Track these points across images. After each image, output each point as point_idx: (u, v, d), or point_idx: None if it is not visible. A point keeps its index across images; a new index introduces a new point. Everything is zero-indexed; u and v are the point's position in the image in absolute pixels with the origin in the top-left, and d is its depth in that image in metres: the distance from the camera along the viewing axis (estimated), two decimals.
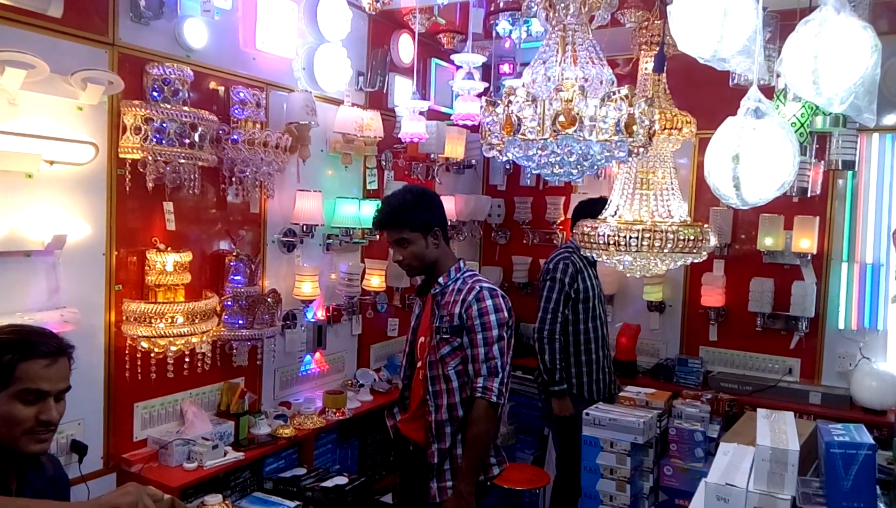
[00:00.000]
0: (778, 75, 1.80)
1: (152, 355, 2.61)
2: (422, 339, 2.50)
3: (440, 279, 2.43)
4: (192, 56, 2.79)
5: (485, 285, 2.37)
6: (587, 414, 3.12)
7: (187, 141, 2.54)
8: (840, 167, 3.54)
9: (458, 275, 2.43)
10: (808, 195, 3.70)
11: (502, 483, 3.52)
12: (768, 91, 2.46)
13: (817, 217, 3.84)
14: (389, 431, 2.64)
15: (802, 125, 2.82)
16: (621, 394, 3.36)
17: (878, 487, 1.88)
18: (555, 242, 4.68)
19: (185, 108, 2.57)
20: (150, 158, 2.49)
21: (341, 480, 2.97)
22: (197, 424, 2.78)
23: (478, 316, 2.31)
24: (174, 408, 2.84)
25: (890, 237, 3.57)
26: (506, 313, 2.35)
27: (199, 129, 2.57)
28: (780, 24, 2.51)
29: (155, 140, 2.47)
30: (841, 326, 3.84)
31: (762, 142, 1.39)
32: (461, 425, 2.36)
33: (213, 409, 2.99)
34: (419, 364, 2.49)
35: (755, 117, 1.41)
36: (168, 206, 2.70)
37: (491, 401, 2.30)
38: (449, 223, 4.21)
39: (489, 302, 2.32)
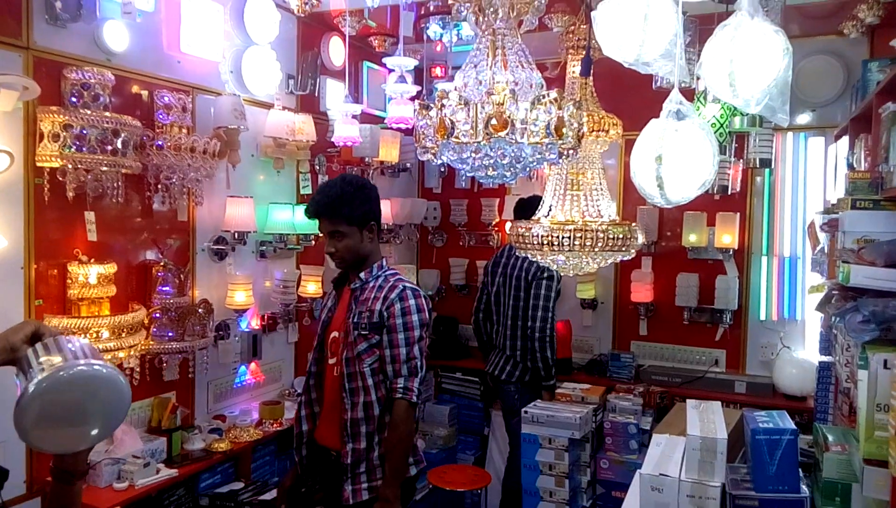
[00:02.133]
0: (698, 78, 1.88)
1: None
2: (334, 334, 2.41)
3: (361, 275, 2.36)
4: (113, 59, 2.69)
5: (408, 284, 2.33)
6: (525, 412, 3.18)
7: (109, 148, 2.44)
8: (758, 165, 3.73)
9: (381, 272, 2.37)
10: (729, 193, 3.86)
11: (444, 486, 3.54)
12: (690, 93, 2.56)
13: (738, 214, 4.02)
14: (302, 437, 2.48)
15: (722, 125, 2.95)
16: (558, 391, 3.43)
17: (800, 470, 1.98)
18: (490, 243, 4.73)
19: (107, 113, 2.47)
20: (69, 166, 2.39)
21: None
22: (126, 442, 2.68)
23: (400, 315, 2.26)
24: None
25: (805, 231, 3.77)
26: (426, 315, 2.31)
27: (122, 135, 2.48)
28: (699, 29, 2.61)
29: (74, 147, 2.37)
30: (762, 317, 4.03)
31: (684, 143, 1.44)
32: (378, 426, 2.31)
33: (143, 426, 2.88)
34: (332, 361, 2.40)
35: (677, 119, 1.47)
36: (89, 216, 2.58)
37: (412, 401, 2.26)
38: (385, 226, 4.25)
39: (412, 302, 2.28)
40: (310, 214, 2.36)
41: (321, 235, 2.43)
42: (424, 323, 2.29)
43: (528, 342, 3.62)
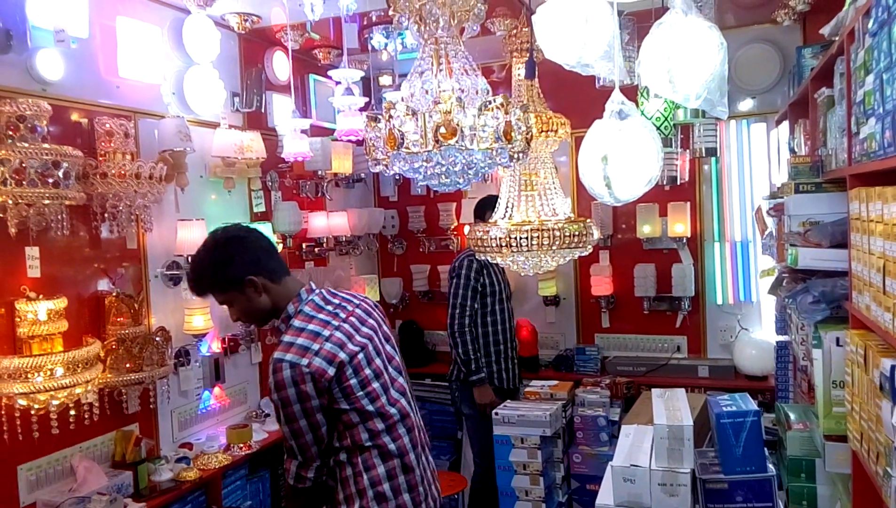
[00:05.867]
0: (639, 75, 1.91)
1: (33, 411, 2.42)
2: None
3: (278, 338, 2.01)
4: (49, 89, 2.61)
5: (276, 354, 1.88)
6: (496, 414, 3.19)
7: (51, 180, 2.36)
8: (704, 154, 3.82)
9: (286, 327, 1.98)
10: (678, 183, 3.95)
11: None
12: (632, 90, 2.61)
13: (688, 202, 4.11)
14: None
15: (666, 119, 3.01)
16: (526, 389, 3.45)
17: (766, 449, 2.03)
18: (451, 247, 4.74)
19: (45, 145, 2.39)
20: (10, 201, 2.30)
21: None
22: (90, 479, 2.61)
23: (270, 395, 1.91)
24: (63, 465, 2.64)
25: (754, 215, 3.86)
26: (292, 391, 1.83)
27: (63, 166, 2.40)
28: (637, 26, 2.66)
29: (14, 182, 2.28)
30: (719, 301, 4.12)
31: (628, 142, 1.47)
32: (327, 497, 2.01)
33: (107, 461, 2.80)
34: None
35: (619, 119, 1.49)
36: (32, 251, 2.49)
37: (289, 482, 1.96)
38: (343, 238, 4.22)
39: (271, 379, 1.86)
40: (193, 294, 2.14)
41: None
42: (288, 400, 1.84)
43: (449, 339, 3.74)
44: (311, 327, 1.94)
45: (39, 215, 2.42)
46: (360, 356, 1.96)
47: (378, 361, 2.02)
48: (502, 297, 3.79)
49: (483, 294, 3.71)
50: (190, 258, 2.07)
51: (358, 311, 2.07)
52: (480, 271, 3.70)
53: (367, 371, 1.96)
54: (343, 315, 2.02)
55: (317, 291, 2.05)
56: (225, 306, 2.07)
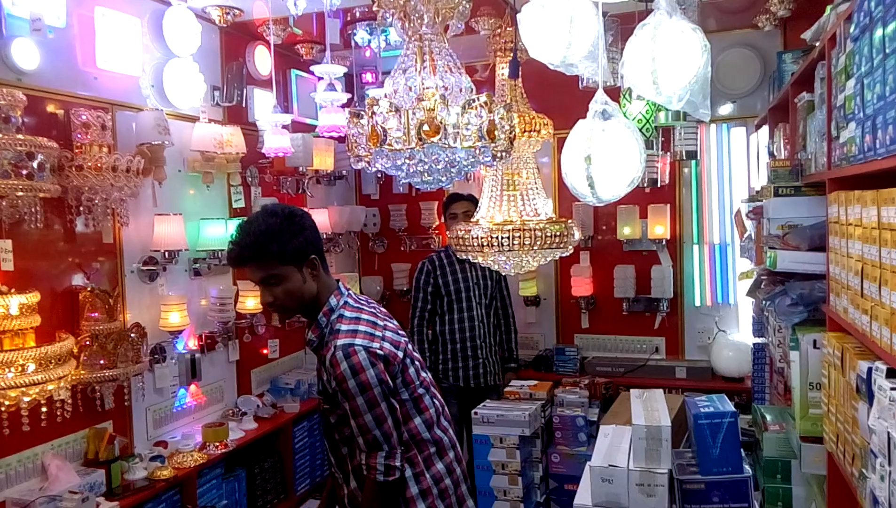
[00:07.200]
0: (622, 76, 1.92)
1: (3, 408, 2.37)
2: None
3: (310, 334, 1.96)
4: (24, 79, 2.56)
5: (340, 341, 1.83)
6: (475, 413, 3.18)
7: (24, 172, 2.32)
8: (684, 157, 3.84)
9: (332, 318, 1.93)
10: (659, 185, 3.97)
11: None
12: (615, 92, 2.62)
13: (668, 205, 4.13)
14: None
15: (648, 121, 3.04)
16: (506, 389, 3.45)
17: (742, 450, 2.04)
18: (432, 246, 4.73)
19: (20, 136, 2.35)
20: None
21: None
22: (62, 477, 2.56)
23: (338, 385, 1.82)
24: (34, 463, 2.59)
25: (733, 219, 3.90)
26: (371, 372, 1.80)
27: (38, 157, 2.36)
28: (621, 28, 2.67)
29: None
30: (697, 303, 4.15)
31: (611, 142, 1.47)
32: None
33: (79, 459, 2.76)
34: None
35: (603, 119, 1.49)
36: (4, 244, 2.44)
37: (377, 480, 1.85)
38: (324, 236, 4.18)
39: (344, 366, 1.79)
40: (233, 262, 1.93)
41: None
42: (368, 384, 1.80)
43: None
44: (365, 316, 1.94)
45: (12, 208, 2.38)
46: (409, 346, 2.01)
47: (417, 353, 2.06)
48: (461, 297, 3.73)
49: (436, 295, 3.75)
50: (247, 221, 1.91)
51: (381, 309, 2.09)
52: (430, 274, 3.75)
53: (416, 362, 2.01)
54: (376, 311, 2.04)
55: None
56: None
